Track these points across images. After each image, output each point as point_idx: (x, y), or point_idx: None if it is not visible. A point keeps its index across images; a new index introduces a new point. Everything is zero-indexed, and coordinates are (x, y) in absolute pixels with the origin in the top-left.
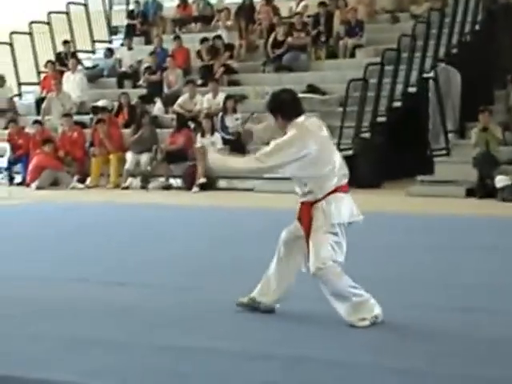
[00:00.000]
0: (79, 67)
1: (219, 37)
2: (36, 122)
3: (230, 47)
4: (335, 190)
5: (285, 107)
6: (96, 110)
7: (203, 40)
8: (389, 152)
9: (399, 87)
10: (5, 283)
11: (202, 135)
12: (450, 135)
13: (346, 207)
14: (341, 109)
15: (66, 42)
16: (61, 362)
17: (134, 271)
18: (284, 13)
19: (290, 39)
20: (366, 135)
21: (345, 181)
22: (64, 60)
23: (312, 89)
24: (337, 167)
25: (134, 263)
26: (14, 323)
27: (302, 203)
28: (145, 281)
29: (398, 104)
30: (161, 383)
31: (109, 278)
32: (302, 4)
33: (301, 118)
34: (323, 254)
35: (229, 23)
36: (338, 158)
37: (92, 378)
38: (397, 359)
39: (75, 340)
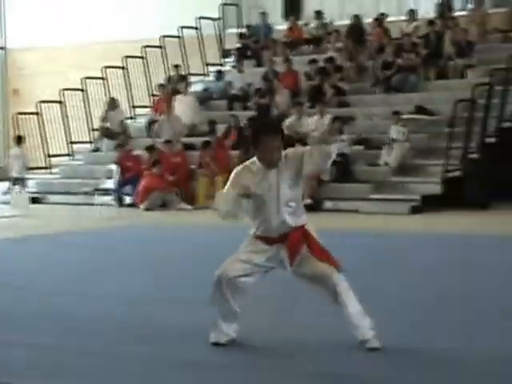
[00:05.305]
0: (190, 90)
1: (331, 59)
2: (149, 147)
3: (339, 69)
4: None
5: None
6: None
7: (311, 61)
8: (498, 173)
9: (510, 107)
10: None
11: None
12: None
13: None
14: (448, 129)
15: (176, 66)
16: None
17: None
18: (394, 34)
19: (399, 60)
20: (474, 156)
21: None
22: (175, 83)
23: (420, 110)
24: None
25: None
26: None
27: None
28: None
29: (508, 124)
30: None
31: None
32: (413, 25)
33: None
34: None
35: (338, 45)
36: None
37: None
38: None
39: None
